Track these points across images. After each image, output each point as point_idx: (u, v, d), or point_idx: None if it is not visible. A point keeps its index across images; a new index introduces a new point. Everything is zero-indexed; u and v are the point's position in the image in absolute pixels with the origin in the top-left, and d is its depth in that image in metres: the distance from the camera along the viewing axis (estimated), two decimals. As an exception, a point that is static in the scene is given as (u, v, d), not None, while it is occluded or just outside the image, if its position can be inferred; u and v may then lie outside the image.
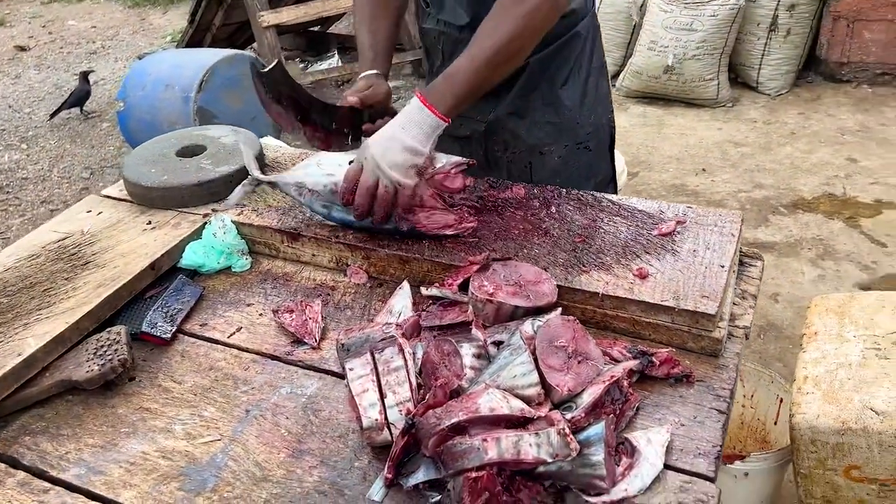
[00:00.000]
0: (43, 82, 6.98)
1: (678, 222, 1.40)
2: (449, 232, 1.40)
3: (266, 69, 1.52)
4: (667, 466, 1.01)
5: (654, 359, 1.14)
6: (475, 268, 1.22)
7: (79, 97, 5.79)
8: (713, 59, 4.62)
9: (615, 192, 1.91)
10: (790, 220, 3.56)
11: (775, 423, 2.11)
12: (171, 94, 4.56)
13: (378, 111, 1.62)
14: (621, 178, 3.04)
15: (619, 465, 1.01)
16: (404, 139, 1.35)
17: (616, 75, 5.14)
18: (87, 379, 1.20)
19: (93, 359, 1.23)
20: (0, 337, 1.25)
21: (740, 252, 1.43)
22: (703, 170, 4.07)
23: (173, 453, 1.11)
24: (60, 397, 1.23)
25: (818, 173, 3.95)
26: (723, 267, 1.27)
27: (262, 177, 1.54)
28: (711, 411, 1.10)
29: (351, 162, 1.43)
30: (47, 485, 1.07)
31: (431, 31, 1.74)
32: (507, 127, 1.75)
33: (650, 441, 1.03)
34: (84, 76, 5.82)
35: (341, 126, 1.60)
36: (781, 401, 2.07)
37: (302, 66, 6.56)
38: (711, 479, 1.00)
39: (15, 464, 1.12)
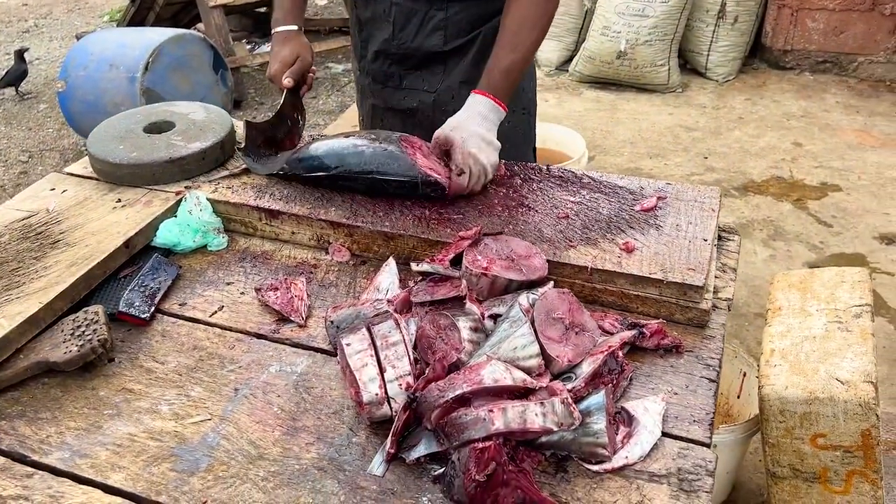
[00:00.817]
0: (-27, 62, 6.65)
1: (659, 198, 1.42)
2: (440, 179, 1.43)
3: (243, 144, 1.61)
4: (664, 434, 1.03)
5: (644, 330, 1.16)
6: (466, 243, 1.22)
7: (15, 77, 5.53)
8: (664, 45, 4.70)
9: (535, 156, 2.00)
10: (741, 203, 3.66)
11: (738, 397, 2.18)
12: (115, 74, 4.40)
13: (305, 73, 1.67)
14: (582, 161, 3.08)
15: (618, 434, 1.02)
16: (493, 141, 1.48)
17: (568, 60, 5.18)
18: (66, 360, 1.16)
19: (70, 339, 1.18)
20: (-32, 318, 1.19)
21: (717, 228, 1.46)
22: (657, 154, 4.15)
23: (162, 434, 1.07)
24: (36, 380, 1.18)
25: (766, 157, 4.06)
26: (706, 241, 1.30)
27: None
28: (702, 380, 1.12)
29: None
30: (30, 469, 1.03)
31: (381, 2, 1.71)
32: (457, 96, 1.74)
33: (647, 410, 1.04)
34: (19, 54, 5.56)
35: (293, 115, 1.67)
36: (745, 375, 2.13)
37: (249, 47, 6.41)
38: (707, 445, 1.02)
39: (-7, 449, 1.07)
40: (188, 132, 1.62)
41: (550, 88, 5.03)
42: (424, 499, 0.97)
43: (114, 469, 1.02)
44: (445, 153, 1.48)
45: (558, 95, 4.94)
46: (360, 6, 1.78)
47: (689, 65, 5.11)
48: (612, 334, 1.15)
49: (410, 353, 1.07)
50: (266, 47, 6.43)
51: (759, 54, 5.20)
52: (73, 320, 1.22)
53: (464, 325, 1.09)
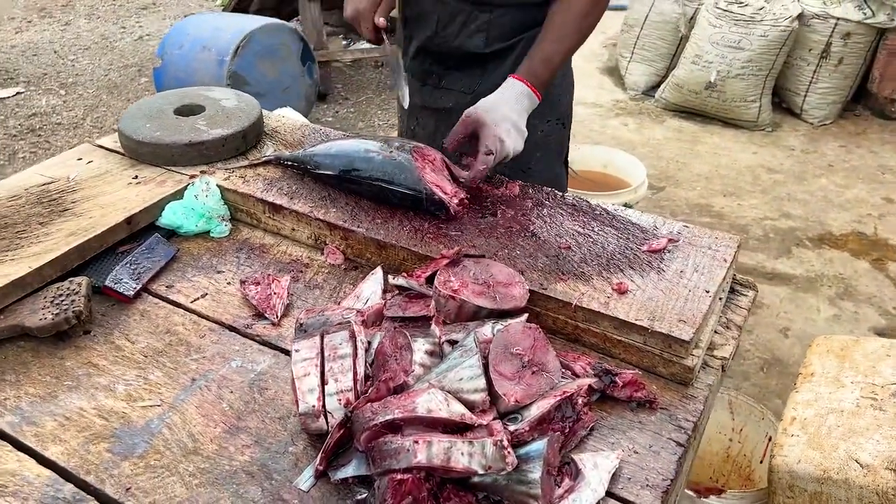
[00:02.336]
0: (91, 32, 7.05)
1: (670, 240, 1.33)
2: (444, 198, 1.39)
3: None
4: (609, 494, 0.96)
5: (617, 379, 1.09)
6: (445, 261, 1.17)
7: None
8: (758, 80, 4.49)
9: (567, 172, 1.95)
10: (813, 255, 3.45)
11: (761, 462, 2.03)
12: (207, 55, 4.56)
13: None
14: (640, 190, 2.97)
15: (559, 487, 0.95)
16: (522, 128, 1.47)
17: (656, 86, 5.03)
18: (39, 327, 1.18)
19: (48, 307, 1.21)
20: (-40, 274, 1.23)
21: (733, 279, 1.36)
22: (732, 193, 3.96)
23: (110, 413, 1.08)
24: (12, 342, 1.21)
25: (851, 210, 3.81)
26: (707, 292, 1.20)
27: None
28: (669, 442, 1.04)
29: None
30: (-24, 429, 1.05)
31: (426, 0, 1.68)
32: None
33: (596, 465, 0.97)
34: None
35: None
36: (770, 439, 1.99)
37: (345, 43, 6.52)
38: (654, 515, 0.94)
39: (-50, 403, 1.10)
40: (214, 118, 1.64)
41: (633, 113, 4.90)
42: (342, 522, 0.93)
43: (55, 441, 1.03)
44: (473, 134, 1.45)
45: (639, 121, 4.79)
46: (408, 3, 1.77)
47: (783, 103, 4.86)
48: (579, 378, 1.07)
49: (360, 369, 1.03)
50: (360, 44, 6.52)
51: (862, 100, 4.89)
52: (57, 288, 1.24)
53: (420, 346, 1.04)
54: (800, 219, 3.73)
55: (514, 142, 1.44)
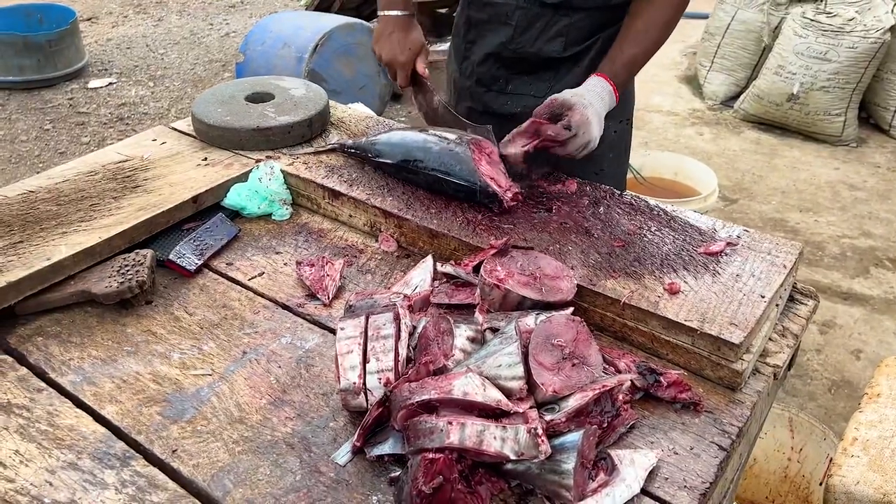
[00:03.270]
0: (181, 28, 7.33)
1: (728, 244, 1.30)
2: (498, 190, 1.40)
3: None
4: (645, 492, 0.94)
5: (661, 379, 1.07)
6: (492, 251, 1.18)
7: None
8: (844, 93, 4.31)
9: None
10: (893, 276, 3.29)
11: (821, 484, 1.95)
12: (287, 52, 4.69)
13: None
14: (710, 199, 2.89)
15: (593, 480, 0.94)
16: (603, 121, 1.48)
17: (735, 97, 4.89)
18: (104, 294, 1.24)
19: (114, 276, 1.27)
20: (38, 241, 1.31)
21: (793, 287, 1.31)
22: (809, 208, 3.82)
23: (164, 379, 1.13)
24: (81, 307, 1.27)
25: (938, 232, 3.62)
26: (763, 297, 1.17)
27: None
28: (712, 445, 1.01)
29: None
30: (43, 384, 1.11)
31: (503, 5, 1.68)
32: None
33: (633, 462, 0.96)
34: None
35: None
36: (831, 460, 1.91)
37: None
38: (690, 517, 0.92)
39: (21, 359, 1.16)
40: (283, 105, 1.69)
41: (710, 122, 4.78)
42: (374, 498, 0.94)
43: (111, 401, 1.09)
44: (555, 116, 1.44)
45: (716, 131, 4.67)
46: (473, 8, 1.76)
47: (871, 119, 4.66)
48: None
49: (402, 350, 1.04)
50: (441, 46, 6.57)
51: (958, 119, 4.63)
52: (123, 259, 1.31)
53: (462, 332, 1.05)
54: (881, 238, 3.57)
55: (598, 130, 1.44)
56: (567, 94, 1.45)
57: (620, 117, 1.74)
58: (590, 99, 1.44)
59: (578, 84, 1.66)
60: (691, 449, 1.01)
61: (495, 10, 1.72)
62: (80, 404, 1.08)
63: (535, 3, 1.63)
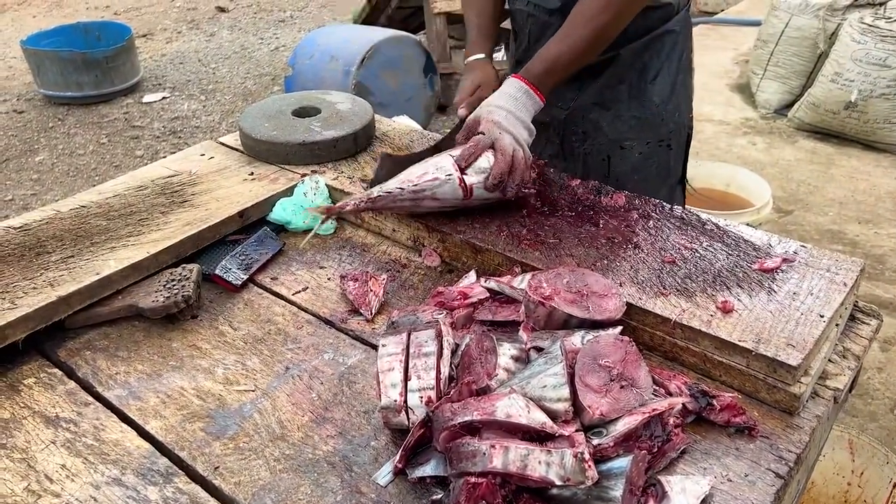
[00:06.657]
0: (232, 43, 7.49)
1: (785, 260, 1.25)
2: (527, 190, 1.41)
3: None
4: (697, 522, 0.90)
5: (714, 402, 1.02)
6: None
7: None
8: (905, 100, 4.16)
9: (684, 195, 1.85)
10: (960, 291, 3.14)
11: (884, 510, 1.86)
12: (334, 65, 4.74)
13: None
14: (763, 211, 2.81)
15: (642, 508, 0.91)
16: (523, 119, 1.43)
17: (790, 105, 4.76)
18: (151, 308, 1.25)
19: (161, 290, 1.28)
20: (88, 255, 1.33)
21: (854, 306, 1.25)
22: (869, 220, 3.68)
23: (208, 395, 1.13)
24: (128, 321, 1.29)
25: None
26: (822, 317, 1.12)
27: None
28: (768, 472, 0.97)
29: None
30: (90, 398, 1.12)
31: (520, 13, 1.70)
32: (588, 117, 1.69)
33: (684, 490, 0.92)
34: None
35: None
36: (895, 485, 1.82)
37: (468, 55, 6.60)
38: (745, 549, 0.88)
39: (70, 373, 1.18)
40: (328, 120, 1.69)
41: (763, 132, 4.66)
42: (415, 520, 0.92)
43: (155, 416, 1.09)
44: (473, 134, 1.43)
45: (769, 141, 4.55)
46: (511, 15, 1.79)
47: (934, 127, 4.48)
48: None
49: (444, 368, 1.02)
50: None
51: None
52: (170, 273, 1.32)
53: (506, 351, 1.02)
54: (947, 251, 3.42)
55: (515, 128, 1.40)
56: (476, 111, 1.44)
57: (648, 139, 1.69)
58: (495, 103, 1.42)
59: (602, 96, 1.65)
60: (746, 476, 0.96)
61: (515, 20, 1.76)
62: (125, 419, 1.09)
63: (544, 11, 1.63)
